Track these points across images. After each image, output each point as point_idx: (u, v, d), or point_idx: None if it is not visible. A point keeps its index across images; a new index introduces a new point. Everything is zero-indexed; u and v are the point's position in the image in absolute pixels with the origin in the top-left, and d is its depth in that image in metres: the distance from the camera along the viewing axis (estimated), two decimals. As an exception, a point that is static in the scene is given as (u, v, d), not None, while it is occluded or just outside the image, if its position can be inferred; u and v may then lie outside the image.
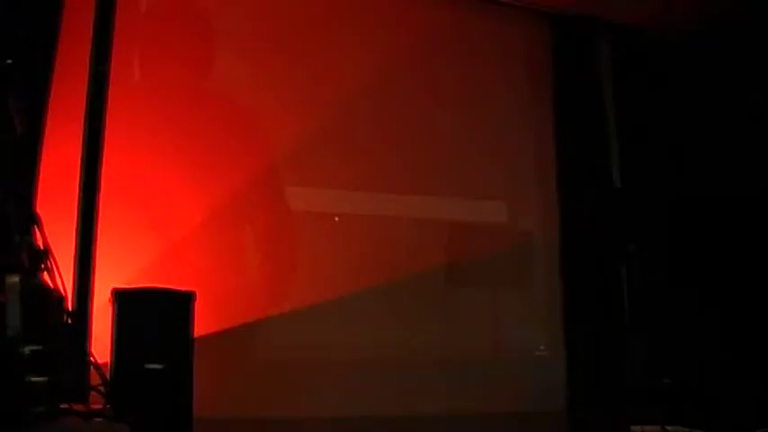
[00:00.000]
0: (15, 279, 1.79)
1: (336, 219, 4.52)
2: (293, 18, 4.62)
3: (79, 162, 3.93)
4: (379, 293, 4.46)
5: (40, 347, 1.67)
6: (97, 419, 1.64)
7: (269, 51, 4.53)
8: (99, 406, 1.69)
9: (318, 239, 4.42)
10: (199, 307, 3.12)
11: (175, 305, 2.87)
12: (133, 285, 3.17)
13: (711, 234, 4.87)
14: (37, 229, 2.39)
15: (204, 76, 4.39)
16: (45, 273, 2.39)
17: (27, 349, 1.49)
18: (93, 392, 2.17)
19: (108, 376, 2.45)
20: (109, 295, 3.08)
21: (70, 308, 2.76)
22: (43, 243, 2.39)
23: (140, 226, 3.99)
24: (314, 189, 4.47)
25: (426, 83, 4.85)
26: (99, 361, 2.60)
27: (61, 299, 2.57)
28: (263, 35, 4.52)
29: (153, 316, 2.76)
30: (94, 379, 2.49)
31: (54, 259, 2.45)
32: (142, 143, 4.12)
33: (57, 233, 2.91)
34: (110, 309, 3.01)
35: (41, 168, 3.74)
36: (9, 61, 2.01)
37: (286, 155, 4.43)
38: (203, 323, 3.28)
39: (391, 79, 4.70)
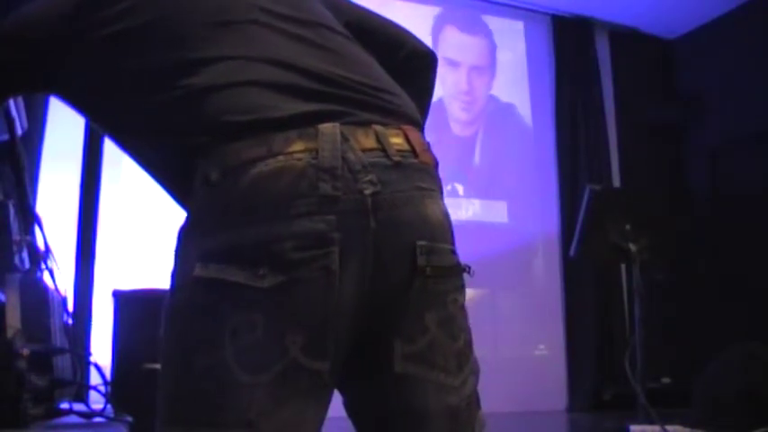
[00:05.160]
0: (15, 279, 1.79)
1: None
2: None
3: (79, 162, 3.94)
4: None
5: (40, 347, 1.67)
6: (97, 419, 1.64)
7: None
8: (99, 406, 1.69)
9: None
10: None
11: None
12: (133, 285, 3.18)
13: (712, 233, 4.87)
14: (37, 229, 2.39)
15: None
16: (45, 273, 2.39)
17: (27, 349, 1.49)
18: (93, 392, 2.17)
19: (108, 376, 2.45)
20: (109, 295, 3.09)
21: (70, 308, 2.75)
22: (43, 243, 2.39)
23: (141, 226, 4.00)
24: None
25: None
26: (99, 361, 2.60)
27: (61, 299, 2.56)
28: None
29: (153, 316, 2.76)
30: (94, 379, 2.49)
31: (54, 259, 2.45)
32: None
33: (57, 233, 2.92)
34: (110, 309, 3.01)
35: (41, 168, 3.74)
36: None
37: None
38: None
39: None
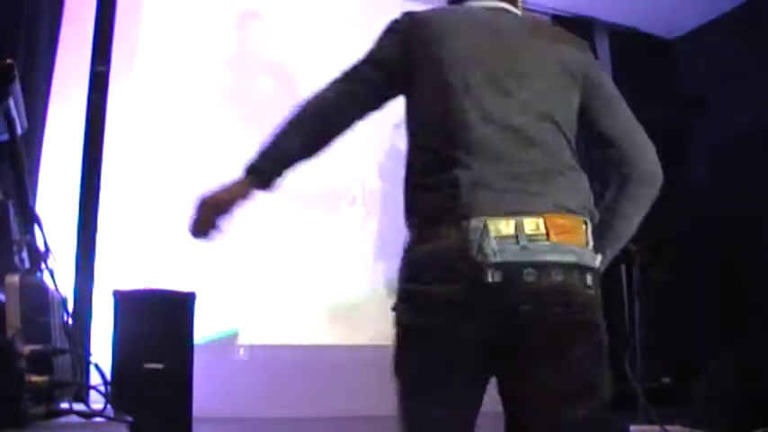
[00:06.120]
0: (15, 279, 1.79)
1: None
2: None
3: (79, 162, 3.93)
4: (380, 292, 4.46)
5: (40, 347, 1.66)
6: (97, 419, 1.64)
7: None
8: (99, 406, 1.68)
9: (318, 237, 4.43)
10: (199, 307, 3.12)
11: (175, 305, 2.87)
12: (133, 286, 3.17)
13: (712, 233, 4.87)
14: (37, 229, 2.39)
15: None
16: (45, 273, 2.38)
17: (27, 349, 1.49)
18: (93, 392, 2.16)
19: (108, 376, 2.45)
20: (109, 295, 3.09)
21: (70, 308, 2.75)
22: (43, 243, 2.39)
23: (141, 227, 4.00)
24: (314, 187, 4.47)
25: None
26: (99, 361, 2.60)
27: (61, 299, 2.56)
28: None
29: (153, 316, 2.76)
30: (94, 379, 2.49)
31: (54, 259, 2.44)
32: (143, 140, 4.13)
33: (57, 233, 2.92)
34: (110, 309, 3.01)
35: (41, 168, 3.74)
36: (9, 61, 2.01)
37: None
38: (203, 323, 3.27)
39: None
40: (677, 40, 5.51)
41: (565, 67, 1.48)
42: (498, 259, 1.29)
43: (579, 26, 5.29)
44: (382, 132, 4.59)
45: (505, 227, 1.31)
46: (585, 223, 1.40)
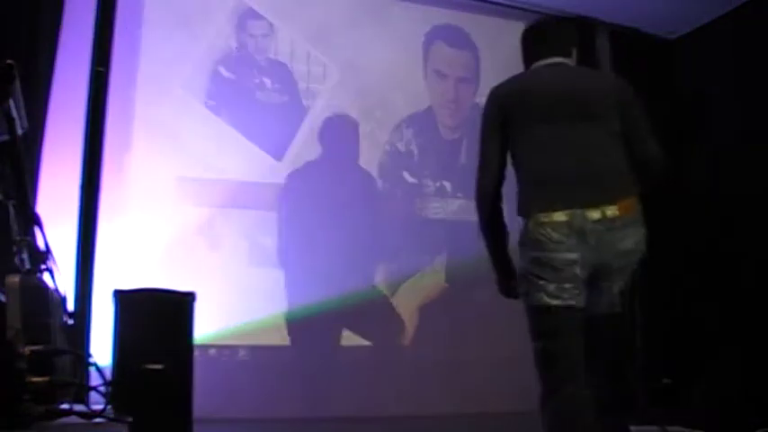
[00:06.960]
0: (15, 279, 1.79)
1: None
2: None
3: (79, 162, 3.93)
4: (380, 292, 4.46)
5: (40, 347, 1.67)
6: (97, 419, 1.64)
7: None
8: (99, 406, 1.69)
9: (318, 237, 4.42)
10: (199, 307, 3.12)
11: (175, 305, 2.87)
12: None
13: (711, 233, 4.87)
14: (37, 230, 2.39)
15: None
16: (45, 273, 2.39)
17: (27, 349, 1.49)
18: (93, 392, 2.17)
19: (108, 376, 2.45)
20: (109, 295, 3.08)
21: (70, 308, 2.75)
22: (43, 243, 2.39)
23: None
24: (312, 187, 4.47)
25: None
26: (99, 361, 2.60)
27: (61, 299, 2.56)
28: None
29: (153, 316, 2.76)
30: (94, 379, 2.49)
31: (54, 259, 2.45)
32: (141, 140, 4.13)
33: (57, 233, 2.92)
34: (110, 309, 3.01)
35: (41, 168, 3.74)
36: (9, 61, 2.01)
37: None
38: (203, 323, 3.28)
39: (396, 79, 4.69)
40: (677, 40, 5.51)
41: (608, 98, 2.24)
42: (594, 236, 2.09)
43: (579, 26, 5.28)
44: (382, 132, 4.59)
45: (594, 213, 2.08)
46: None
